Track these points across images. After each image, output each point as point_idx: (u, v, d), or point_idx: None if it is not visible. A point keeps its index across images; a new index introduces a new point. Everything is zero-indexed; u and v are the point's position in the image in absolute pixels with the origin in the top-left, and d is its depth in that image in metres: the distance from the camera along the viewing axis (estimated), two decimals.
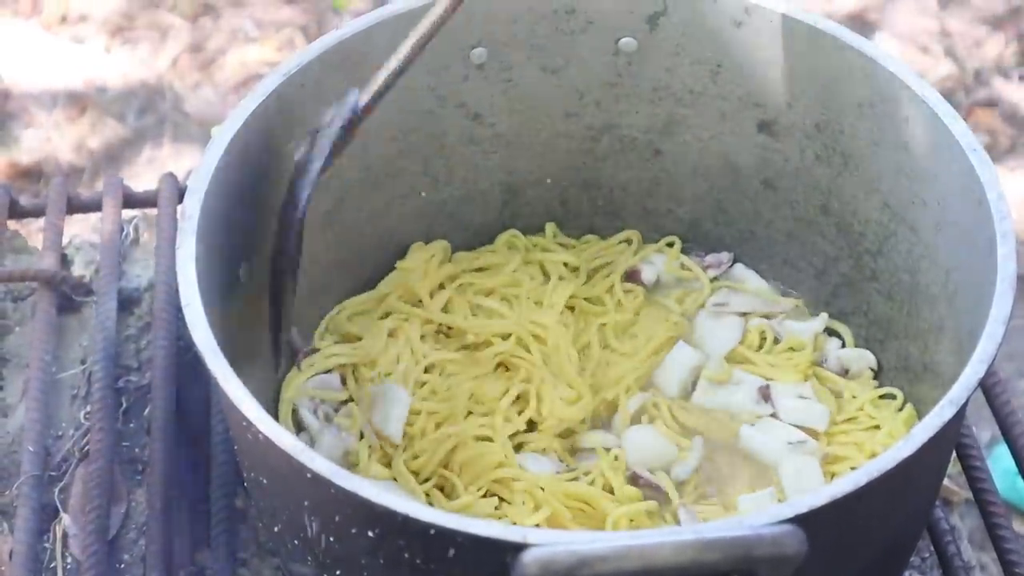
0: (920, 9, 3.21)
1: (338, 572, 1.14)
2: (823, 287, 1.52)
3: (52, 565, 1.43)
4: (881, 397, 1.43)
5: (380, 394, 1.38)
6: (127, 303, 1.65)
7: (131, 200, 1.74)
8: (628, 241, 1.59)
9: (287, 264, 1.30)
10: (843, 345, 1.50)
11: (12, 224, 1.76)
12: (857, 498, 1.02)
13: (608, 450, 1.39)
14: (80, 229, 1.99)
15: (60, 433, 1.54)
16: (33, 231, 2.13)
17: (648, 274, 1.55)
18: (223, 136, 1.27)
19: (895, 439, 1.34)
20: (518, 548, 0.95)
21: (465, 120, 1.50)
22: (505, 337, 1.46)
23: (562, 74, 1.49)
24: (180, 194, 1.69)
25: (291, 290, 1.32)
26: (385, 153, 1.47)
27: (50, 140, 2.88)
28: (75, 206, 1.74)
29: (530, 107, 1.51)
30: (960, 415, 1.11)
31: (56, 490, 1.48)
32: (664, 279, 1.56)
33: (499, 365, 1.46)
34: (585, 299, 1.52)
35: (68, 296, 1.66)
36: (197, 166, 1.25)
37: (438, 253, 1.54)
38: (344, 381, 1.43)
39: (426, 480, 1.35)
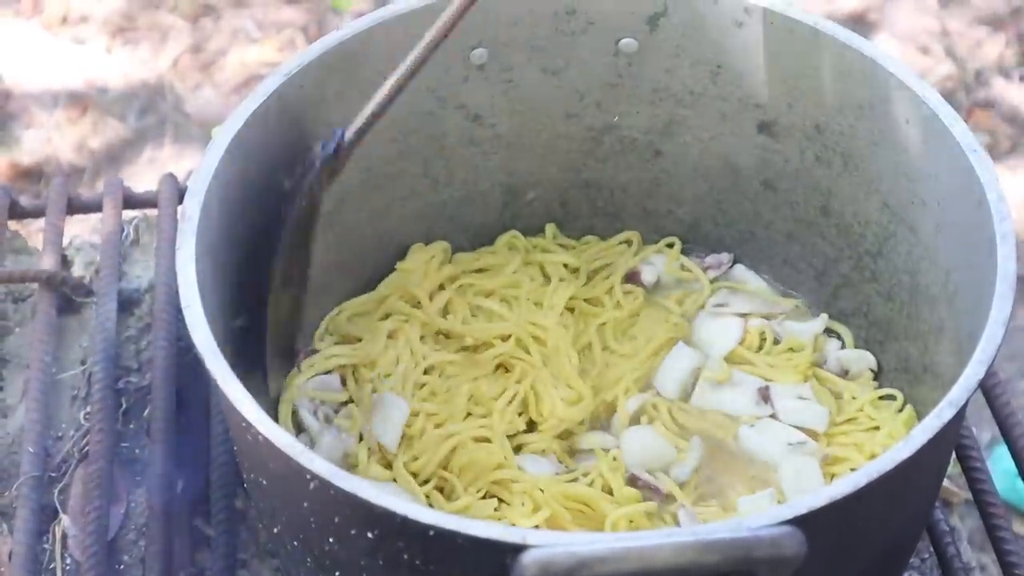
0: (920, 9, 3.21)
1: (337, 573, 1.14)
2: (823, 288, 1.52)
3: (52, 566, 1.43)
4: (881, 398, 1.43)
5: (379, 402, 1.38)
6: (127, 304, 1.66)
7: (131, 201, 1.74)
8: (628, 242, 1.59)
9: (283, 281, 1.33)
10: (843, 346, 1.50)
11: (12, 225, 1.76)
12: (856, 499, 1.02)
13: (607, 451, 1.39)
14: (80, 230, 1.99)
15: (60, 434, 1.54)
16: (33, 232, 2.13)
17: (648, 275, 1.55)
18: (223, 137, 1.27)
19: (895, 440, 1.34)
20: (517, 549, 0.95)
21: (465, 121, 1.50)
22: (505, 338, 1.46)
23: (562, 75, 1.49)
24: (180, 195, 1.69)
25: (290, 307, 1.34)
26: (385, 154, 1.47)
27: (51, 141, 2.89)
28: (75, 207, 1.74)
29: (530, 108, 1.51)
30: (960, 416, 1.11)
31: (56, 491, 1.48)
32: (664, 280, 1.56)
33: (499, 366, 1.46)
34: (585, 300, 1.52)
35: (68, 297, 1.66)
36: (197, 167, 1.25)
37: (438, 254, 1.54)
38: (344, 382, 1.43)
39: (426, 482, 1.35)
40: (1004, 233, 1.19)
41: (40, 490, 1.45)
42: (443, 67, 1.44)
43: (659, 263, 1.56)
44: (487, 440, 1.37)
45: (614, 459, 1.38)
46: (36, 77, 3.01)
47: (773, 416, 1.42)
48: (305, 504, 1.10)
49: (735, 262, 1.58)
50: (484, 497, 1.34)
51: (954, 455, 1.44)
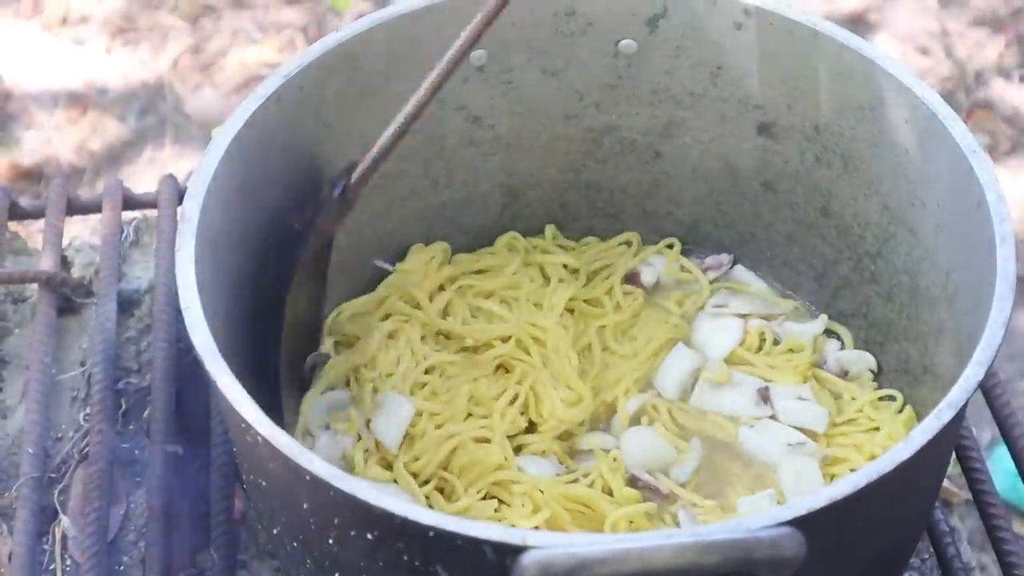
0: (920, 10, 3.21)
1: (337, 574, 1.14)
2: (823, 289, 1.52)
3: (51, 567, 1.43)
4: (881, 399, 1.43)
5: (382, 402, 1.38)
6: (127, 305, 1.65)
7: (131, 202, 1.74)
8: (628, 243, 1.59)
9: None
10: (843, 347, 1.50)
11: (12, 225, 1.76)
12: (856, 500, 1.02)
13: (607, 452, 1.39)
14: (80, 231, 1.99)
15: (60, 435, 1.54)
16: (33, 232, 2.13)
17: (648, 276, 1.55)
18: (223, 138, 1.27)
19: (894, 441, 1.34)
20: (517, 550, 0.96)
21: (465, 122, 1.50)
22: (505, 339, 1.46)
23: (562, 76, 1.49)
24: (180, 196, 1.69)
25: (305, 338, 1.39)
26: None
27: (51, 141, 2.89)
28: (75, 208, 1.74)
29: (530, 109, 1.51)
30: (959, 417, 1.11)
31: (55, 492, 1.48)
32: (664, 281, 1.56)
33: (499, 367, 1.46)
34: (585, 301, 1.52)
35: (68, 298, 1.66)
36: (197, 168, 1.25)
37: (438, 255, 1.54)
38: (348, 383, 1.43)
39: (426, 482, 1.35)
40: (1004, 234, 1.19)
41: (40, 491, 1.45)
42: None
43: (659, 264, 1.56)
44: (487, 441, 1.37)
45: (614, 460, 1.38)
46: (36, 78, 3.01)
47: (773, 417, 1.42)
48: (304, 505, 1.10)
49: (735, 263, 1.58)
50: (484, 498, 1.34)
51: (954, 455, 1.44)
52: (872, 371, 1.46)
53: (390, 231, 1.53)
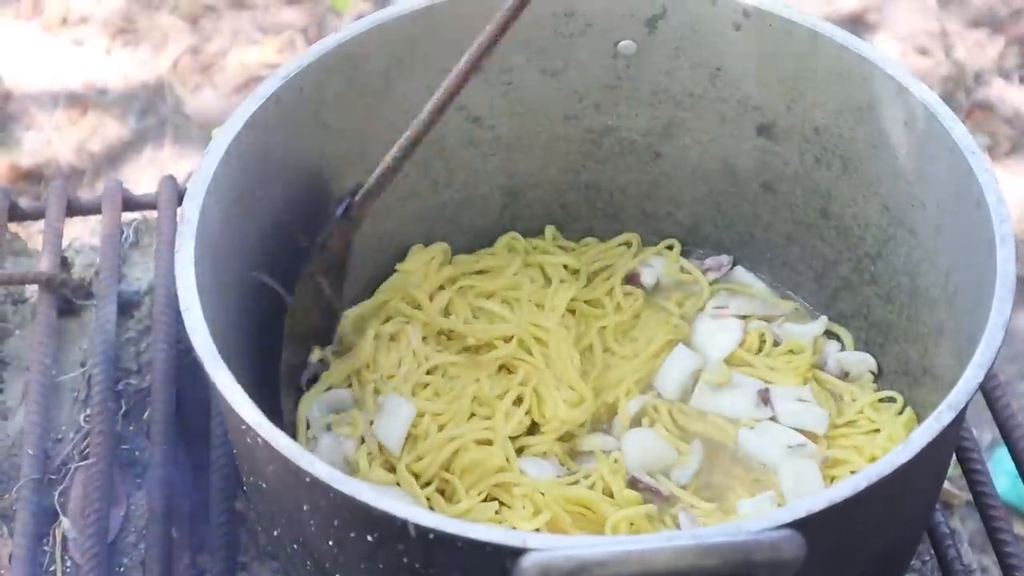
0: (920, 10, 3.21)
1: None
2: (823, 290, 1.52)
3: (52, 568, 1.43)
4: (881, 400, 1.43)
5: (383, 404, 1.38)
6: (127, 306, 1.65)
7: (131, 203, 1.74)
8: (628, 244, 1.59)
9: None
10: (843, 348, 1.50)
11: (12, 227, 1.76)
12: (856, 503, 1.02)
13: (607, 453, 1.39)
14: (80, 232, 1.99)
15: (60, 436, 1.54)
16: (33, 234, 2.13)
17: (648, 277, 1.55)
18: (222, 139, 1.27)
19: (895, 443, 1.34)
20: (517, 553, 0.96)
21: (465, 123, 1.50)
22: (507, 339, 1.46)
23: (561, 77, 1.49)
24: (180, 197, 1.68)
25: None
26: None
27: (51, 142, 2.89)
28: (75, 209, 1.74)
29: (530, 110, 1.51)
30: (959, 419, 1.11)
31: (56, 493, 1.48)
32: (664, 282, 1.56)
33: (501, 367, 1.45)
34: (585, 302, 1.52)
35: (68, 299, 1.66)
36: (196, 169, 1.25)
37: (438, 255, 1.54)
38: (350, 384, 1.43)
39: (428, 483, 1.35)
40: (1003, 235, 1.19)
41: (40, 492, 1.45)
42: (442, 69, 1.43)
43: (658, 265, 1.56)
44: (490, 442, 1.37)
45: (615, 461, 1.38)
46: (36, 78, 3.01)
47: (773, 418, 1.42)
48: (305, 507, 1.10)
49: (734, 264, 1.58)
50: (485, 500, 1.33)
51: (955, 457, 1.44)
52: (872, 372, 1.46)
53: (390, 231, 1.52)
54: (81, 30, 3.13)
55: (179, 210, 1.26)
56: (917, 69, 3.00)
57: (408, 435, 1.37)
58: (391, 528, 1.03)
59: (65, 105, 2.96)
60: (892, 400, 1.42)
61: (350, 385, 1.43)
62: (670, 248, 1.58)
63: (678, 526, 1.32)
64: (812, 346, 1.48)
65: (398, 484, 1.34)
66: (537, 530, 1.29)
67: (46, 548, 1.44)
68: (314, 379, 1.43)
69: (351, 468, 1.35)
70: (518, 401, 1.41)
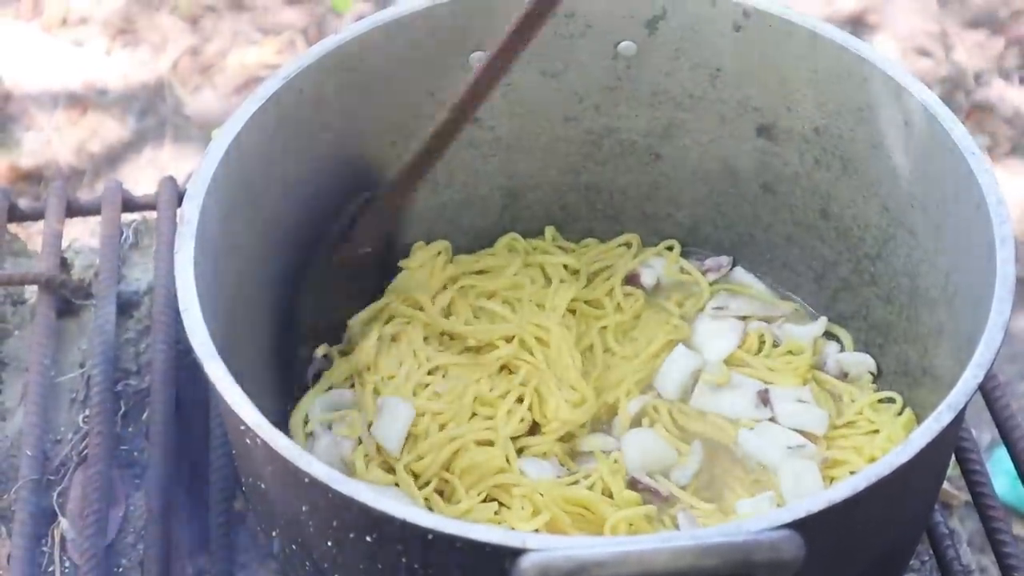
0: (920, 11, 3.21)
1: None
2: (822, 291, 1.52)
3: (50, 569, 1.43)
4: (880, 401, 1.43)
5: (382, 406, 1.38)
6: (126, 307, 1.65)
7: (130, 204, 1.74)
8: (628, 244, 1.59)
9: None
10: (842, 349, 1.50)
11: (12, 227, 1.76)
12: (855, 503, 1.02)
13: (607, 454, 1.39)
14: (80, 232, 1.99)
15: (59, 437, 1.54)
16: (33, 234, 2.13)
17: (648, 277, 1.55)
18: (222, 140, 1.27)
19: (894, 443, 1.34)
20: (516, 553, 0.96)
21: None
22: (508, 340, 1.46)
23: (561, 78, 1.49)
24: (179, 198, 1.69)
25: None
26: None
27: (50, 143, 2.88)
28: (74, 210, 1.74)
29: (530, 111, 1.51)
30: (959, 420, 1.11)
31: (54, 494, 1.48)
32: (664, 282, 1.56)
33: (503, 367, 1.45)
34: (586, 302, 1.52)
35: (67, 300, 1.66)
36: (196, 170, 1.25)
37: (442, 251, 1.54)
38: (352, 385, 1.43)
39: (427, 484, 1.35)
40: (1003, 236, 1.19)
41: (39, 493, 1.45)
42: (442, 70, 1.44)
43: (658, 266, 1.56)
44: (490, 443, 1.37)
45: (615, 462, 1.38)
46: (36, 79, 3.01)
47: (772, 419, 1.42)
48: (303, 508, 1.10)
49: (734, 265, 1.58)
50: (484, 501, 1.33)
51: (954, 457, 1.44)
52: (872, 373, 1.46)
53: (390, 231, 1.52)
54: (81, 30, 3.13)
55: (179, 211, 1.26)
56: (917, 70, 3.00)
57: (409, 435, 1.37)
58: (390, 528, 1.03)
59: (65, 105, 2.96)
60: (891, 401, 1.42)
61: (352, 385, 1.43)
62: (670, 249, 1.58)
63: (677, 527, 1.32)
64: (812, 347, 1.48)
65: (396, 485, 1.34)
66: (536, 531, 1.29)
67: (45, 549, 1.44)
68: (318, 376, 1.43)
69: (348, 468, 1.35)
70: (519, 401, 1.41)
